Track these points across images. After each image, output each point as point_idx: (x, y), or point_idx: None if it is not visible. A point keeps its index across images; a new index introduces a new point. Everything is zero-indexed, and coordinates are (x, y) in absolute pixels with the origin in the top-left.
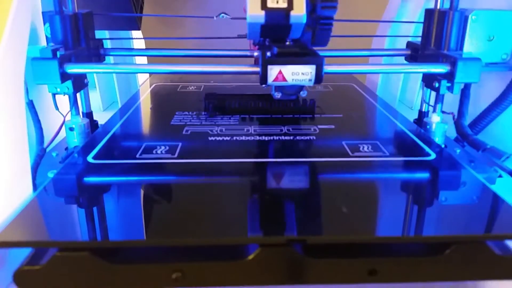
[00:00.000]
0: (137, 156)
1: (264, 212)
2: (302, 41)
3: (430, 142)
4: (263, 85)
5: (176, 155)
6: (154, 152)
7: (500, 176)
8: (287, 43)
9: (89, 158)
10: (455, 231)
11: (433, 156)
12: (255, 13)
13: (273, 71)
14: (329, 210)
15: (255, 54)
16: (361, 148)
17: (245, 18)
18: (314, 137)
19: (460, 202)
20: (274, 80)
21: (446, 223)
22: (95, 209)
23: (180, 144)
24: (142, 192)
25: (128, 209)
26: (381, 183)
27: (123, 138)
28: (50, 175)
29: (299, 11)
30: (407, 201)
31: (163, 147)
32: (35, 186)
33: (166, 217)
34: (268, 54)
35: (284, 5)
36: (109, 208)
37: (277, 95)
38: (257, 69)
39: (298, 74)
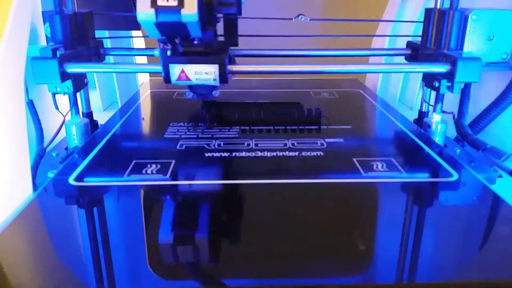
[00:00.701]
0: (125, 175)
1: (266, 249)
2: (211, 40)
3: (449, 160)
4: (167, 83)
5: (168, 175)
6: (144, 171)
7: (500, 176)
8: (195, 42)
9: (71, 180)
10: (490, 275)
11: (455, 176)
12: (144, 10)
13: (175, 70)
14: (341, 247)
15: (155, 52)
16: (374, 167)
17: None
18: (322, 153)
19: (491, 236)
20: (178, 80)
21: (478, 264)
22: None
23: (173, 161)
24: (126, 224)
25: (113, 245)
26: (400, 212)
27: (110, 152)
28: (50, 175)
29: (191, 10)
30: (432, 235)
31: (154, 166)
32: (35, 186)
33: (156, 255)
34: (169, 53)
35: (174, 3)
36: (89, 246)
37: (189, 94)
38: (160, 67)
39: (201, 73)
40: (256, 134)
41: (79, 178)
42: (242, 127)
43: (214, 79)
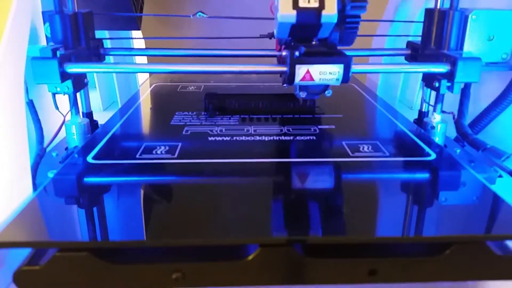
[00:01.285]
0: (137, 156)
1: (264, 212)
2: (329, 41)
3: (430, 142)
4: (285, 85)
5: (176, 155)
6: (154, 152)
7: (500, 176)
8: (314, 42)
9: (89, 159)
10: (455, 231)
11: (433, 156)
12: (286, 12)
13: (301, 70)
14: (329, 211)
15: (283, 53)
16: (361, 148)
17: (226, 17)
18: (314, 137)
19: (460, 202)
20: (301, 80)
21: (446, 223)
22: (94, 209)
23: (180, 144)
24: (141, 192)
25: (128, 210)
26: (381, 184)
27: (123, 138)
28: (50, 175)
29: (331, 11)
30: (407, 202)
31: (162, 147)
32: (35, 186)
33: (166, 218)
34: (297, 53)
35: (315, 4)
36: (109, 208)
37: (302, 94)
38: (284, 68)
39: (325, 73)
40: (255, 121)
41: (96, 157)
42: (242, 116)
43: (337, 79)
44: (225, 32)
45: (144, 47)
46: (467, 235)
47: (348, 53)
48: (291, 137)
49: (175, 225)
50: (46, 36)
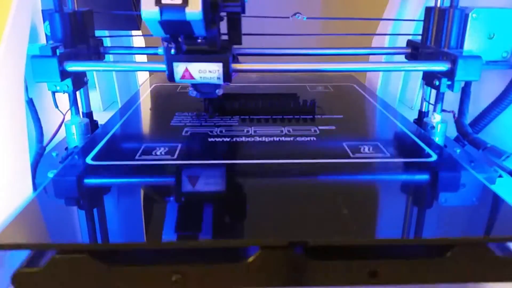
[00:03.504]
0: (136, 157)
1: (265, 214)
2: (215, 39)
3: (431, 143)
4: (171, 81)
5: (175, 157)
6: (153, 153)
7: (500, 176)
8: (199, 40)
9: (88, 160)
10: (457, 233)
11: (434, 157)
12: (149, 9)
13: (179, 68)
14: (330, 212)
15: (159, 50)
16: (362, 149)
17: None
18: (315, 138)
19: (461, 204)
20: (181, 78)
21: (447, 225)
22: (94, 210)
23: (179, 145)
24: (141, 194)
25: (127, 211)
26: (382, 185)
27: (122, 139)
28: (50, 175)
29: (195, 8)
30: (408, 203)
31: (162, 149)
32: (35, 186)
33: (165, 219)
34: (172, 51)
35: (178, 1)
36: (108, 209)
37: (193, 93)
38: (163, 66)
39: (205, 71)
40: (255, 122)
41: (95, 158)
42: (242, 117)
43: (218, 78)
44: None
45: (144, 46)
46: (469, 237)
47: (349, 52)
48: (292, 138)
49: (175, 227)
50: (45, 34)
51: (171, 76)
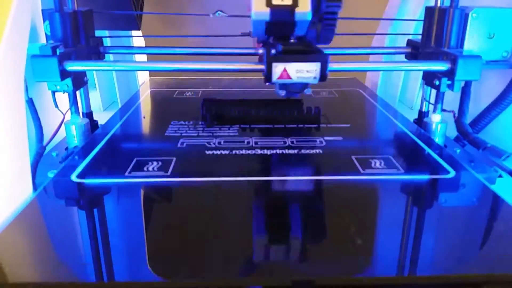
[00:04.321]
0: (126, 173)
1: (267, 246)
2: (306, 39)
3: (447, 157)
4: (267, 83)
5: (169, 173)
6: (145, 168)
7: (500, 176)
8: (292, 40)
9: (73, 177)
10: (487, 269)
11: (452, 173)
12: (260, 10)
13: (277, 68)
14: (339, 244)
15: (260, 51)
16: (372, 164)
17: (243, 16)
18: (321, 151)
19: (488, 231)
20: (278, 78)
21: (475, 258)
22: (75, 241)
23: (174, 159)
24: (129, 220)
25: (114, 243)
26: (397, 209)
27: (112, 151)
28: (50, 175)
29: (304, 8)
30: (429, 232)
31: (155, 163)
32: (35, 186)
33: (156, 252)
34: (273, 51)
35: (289, 2)
36: (89, 244)
37: (282, 93)
38: (262, 66)
39: (303, 71)
40: (256, 132)
41: (81, 175)
42: (242, 126)
43: (314, 77)
44: (227, 31)
45: (143, 46)
46: (502, 274)
47: (349, 51)
48: (296, 151)
49: (167, 262)
50: (45, 34)
51: (268, 77)
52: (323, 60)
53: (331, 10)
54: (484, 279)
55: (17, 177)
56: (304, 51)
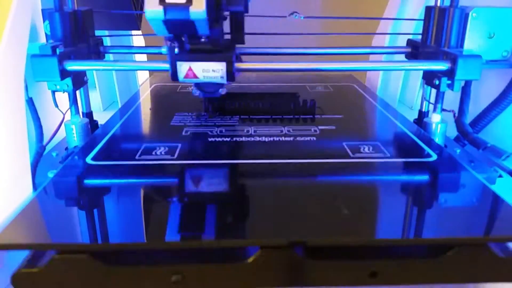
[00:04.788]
0: (136, 157)
1: (264, 214)
2: (215, 38)
3: (431, 143)
4: (174, 80)
5: (175, 156)
6: (153, 153)
7: (500, 176)
8: (202, 39)
9: (88, 160)
10: (457, 233)
11: (434, 157)
12: (153, 8)
13: (182, 67)
14: (330, 212)
15: (162, 49)
16: (361, 149)
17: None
18: (315, 138)
19: (461, 204)
20: (185, 77)
21: (448, 225)
22: (94, 211)
23: (179, 145)
24: (141, 194)
25: (127, 211)
26: (382, 185)
27: (122, 139)
28: (50, 175)
29: (199, 7)
30: (408, 204)
31: (162, 148)
32: (35, 186)
33: (165, 220)
34: (176, 50)
35: (182, 0)
36: (108, 210)
37: (196, 92)
38: (167, 65)
39: (209, 71)
40: (255, 122)
41: (95, 159)
42: (242, 116)
43: (222, 77)
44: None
45: (144, 45)
46: (469, 237)
47: (349, 51)
48: (291, 138)
49: (174, 227)
50: (45, 33)
51: (174, 75)
52: (228, 59)
53: (234, 10)
54: (454, 242)
55: (17, 177)
56: (210, 50)
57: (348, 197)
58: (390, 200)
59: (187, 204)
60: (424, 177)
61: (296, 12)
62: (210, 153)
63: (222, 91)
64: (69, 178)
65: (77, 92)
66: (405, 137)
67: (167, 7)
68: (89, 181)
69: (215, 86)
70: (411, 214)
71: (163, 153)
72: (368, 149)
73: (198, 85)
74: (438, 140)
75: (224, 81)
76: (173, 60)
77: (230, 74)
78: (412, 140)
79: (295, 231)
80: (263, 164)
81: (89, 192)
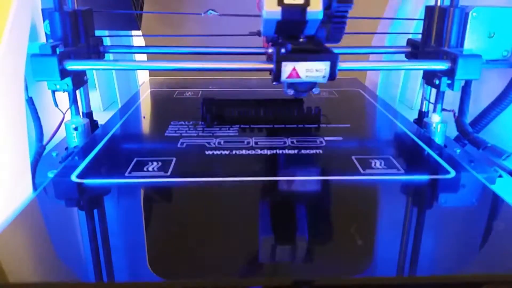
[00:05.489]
0: (126, 174)
1: (268, 246)
2: (316, 38)
3: (447, 158)
4: (274, 82)
5: (169, 173)
6: (145, 169)
7: (500, 176)
8: (301, 39)
9: (73, 177)
10: (487, 269)
11: (452, 174)
12: (271, 9)
13: (287, 67)
14: (340, 244)
15: (270, 50)
16: (373, 164)
17: (236, 15)
18: (321, 151)
19: (488, 231)
20: (287, 77)
21: (476, 258)
22: (71, 241)
23: (174, 159)
24: (128, 220)
25: (114, 243)
26: (399, 208)
27: (112, 151)
28: (50, 175)
29: (316, 7)
30: (430, 232)
31: (155, 163)
32: (35, 185)
33: (156, 252)
34: (283, 50)
35: (300, 1)
36: (89, 244)
37: (290, 92)
38: (271, 65)
39: (312, 71)
40: (256, 132)
41: (81, 176)
42: (242, 126)
43: (324, 76)
44: (225, 31)
45: (143, 45)
46: (503, 274)
47: (349, 51)
48: (296, 151)
49: (166, 262)
50: (45, 33)
51: (277, 77)
52: (333, 59)
53: (341, 9)
54: (484, 279)
55: (17, 177)
56: (314, 50)
57: (360, 224)
58: (410, 227)
59: (180, 232)
60: (444, 200)
61: (211, 9)
62: (207, 169)
63: (316, 90)
64: (50, 199)
65: (77, 92)
66: (419, 150)
67: (285, 8)
68: (71, 202)
69: (310, 85)
70: (434, 245)
71: (155, 169)
72: (380, 164)
73: (293, 85)
74: (438, 140)
75: (325, 80)
76: (279, 60)
77: (333, 73)
78: (427, 154)
79: (301, 268)
80: (264, 182)
81: (70, 215)
